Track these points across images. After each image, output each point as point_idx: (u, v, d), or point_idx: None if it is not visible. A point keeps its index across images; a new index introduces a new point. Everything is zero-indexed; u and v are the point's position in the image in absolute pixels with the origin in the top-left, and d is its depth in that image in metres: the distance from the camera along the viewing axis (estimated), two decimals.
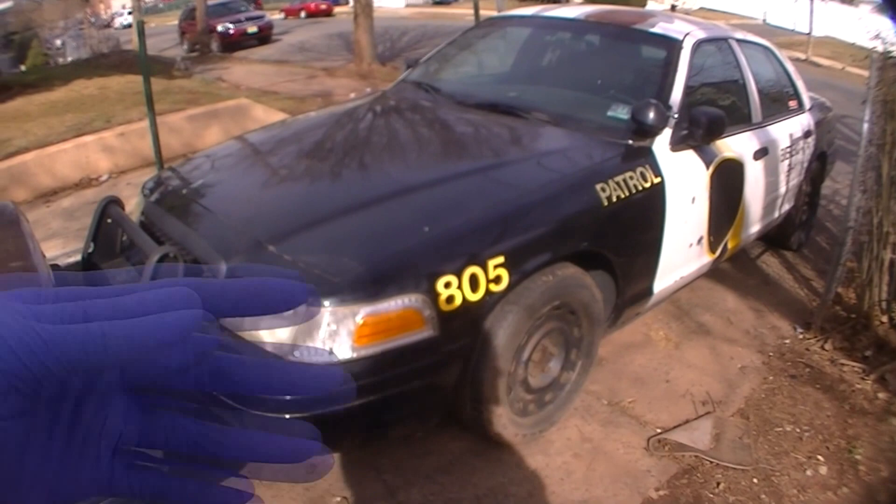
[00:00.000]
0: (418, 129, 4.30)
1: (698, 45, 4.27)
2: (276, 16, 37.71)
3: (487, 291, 2.82)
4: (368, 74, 14.86)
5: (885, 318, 4.62)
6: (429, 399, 2.90)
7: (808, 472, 3.46)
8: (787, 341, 4.68)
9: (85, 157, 8.20)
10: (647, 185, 3.53)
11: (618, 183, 3.38)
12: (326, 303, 2.57)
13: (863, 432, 3.79)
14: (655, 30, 4.37)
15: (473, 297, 2.78)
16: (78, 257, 3.62)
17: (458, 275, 2.73)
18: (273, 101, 11.42)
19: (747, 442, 3.62)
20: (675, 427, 3.67)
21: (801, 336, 4.75)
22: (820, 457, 3.58)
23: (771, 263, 5.96)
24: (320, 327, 2.56)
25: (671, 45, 4.19)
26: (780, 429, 3.77)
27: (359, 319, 2.57)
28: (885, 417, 3.91)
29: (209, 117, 9.49)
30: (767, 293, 5.38)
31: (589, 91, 4.47)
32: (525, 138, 3.91)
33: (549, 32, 5.19)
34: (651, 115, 3.57)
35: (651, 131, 3.67)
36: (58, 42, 24.85)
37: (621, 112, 3.85)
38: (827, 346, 4.58)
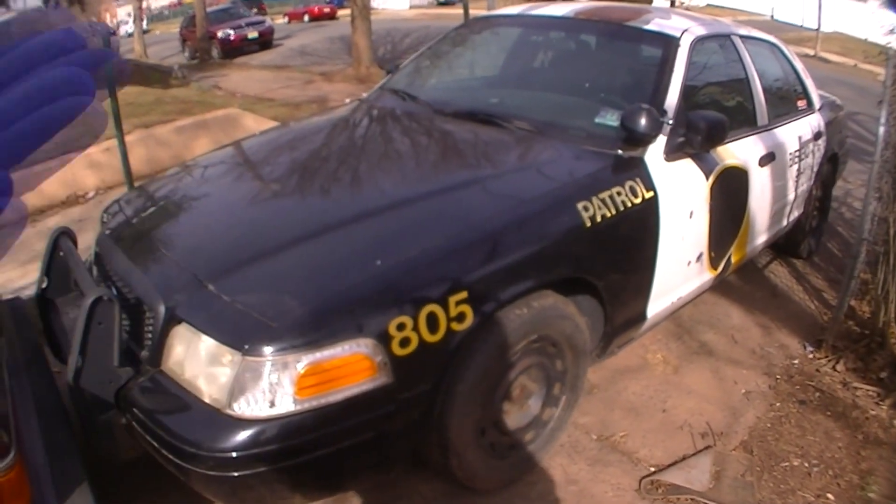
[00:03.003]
0: (387, 143, 3.95)
1: (697, 42, 3.95)
2: (279, 20, 38.28)
3: (449, 331, 2.50)
4: (367, 78, 14.69)
5: None
6: (387, 450, 2.59)
7: None
8: (797, 361, 4.38)
9: (71, 175, 7.99)
10: (638, 200, 3.21)
11: (603, 200, 3.06)
12: (266, 351, 2.27)
13: (877, 466, 3.50)
14: (650, 27, 4.05)
15: (432, 339, 2.46)
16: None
17: (414, 315, 2.42)
18: (266, 108, 11.32)
19: (750, 480, 3.31)
20: (670, 465, 3.36)
21: (811, 355, 4.44)
22: (830, 495, 3.29)
23: (779, 273, 5.66)
24: (261, 378, 2.27)
25: (667, 43, 3.86)
26: (787, 463, 3.48)
27: (300, 368, 2.28)
28: None
29: (198, 128, 9.38)
30: (775, 307, 5.08)
31: (577, 95, 4.13)
32: (501, 151, 3.57)
33: (537, 32, 4.87)
34: (642, 121, 3.23)
35: (643, 139, 3.34)
36: None
37: (610, 118, 3.52)
38: (839, 367, 4.29)
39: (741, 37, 4.59)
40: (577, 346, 3.11)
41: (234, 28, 25.89)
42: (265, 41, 26.63)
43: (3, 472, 1.99)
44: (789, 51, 5.33)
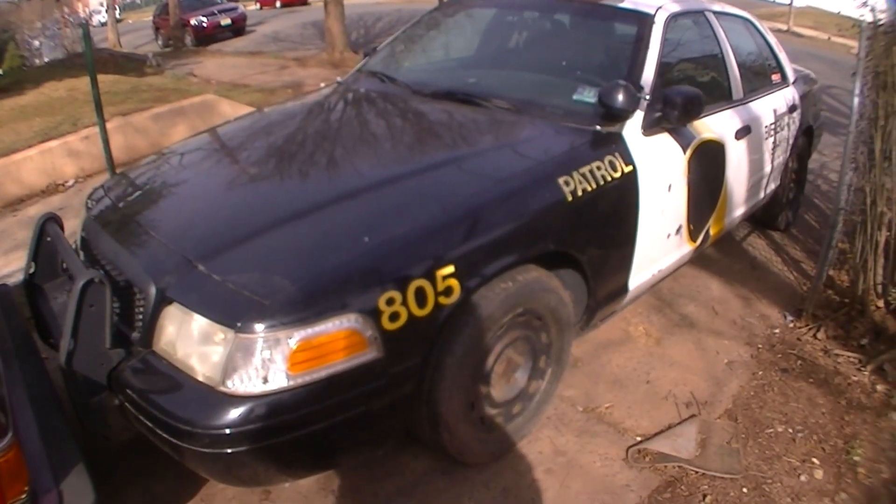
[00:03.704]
0: (368, 124, 3.97)
1: (671, 19, 4.00)
2: (251, 7, 37.98)
3: (437, 305, 2.54)
4: (341, 63, 14.67)
5: (881, 303, 4.38)
6: (379, 424, 2.63)
7: (803, 478, 3.24)
8: (777, 331, 4.45)
9: (51, 163, 8.00)
10: (618, 174, 3.26)
11: (583, 175, 3.10)
12: (258, 328, 2.30)
13: (861, 430, 3.57)
14: (625, 4, 4.10)
15: (421, 313, 2.50)
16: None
17: (403, 290, 2.46)
18: (242, 94, 11.24)
19: (736, 447, 3.38)
20: (656, 434, 3.42)
21: (791, 325, 4.52)
22: (815, 459, 3.36)
23: (758, 246, 5.75)
24: (253, 355, 2.31)
25: (642, 21, 3.91)
26: (772, 430, 3.54)
27: (293, 344, 2.31)
28: (884, 412, 3.70)
29: (175, 115, 9.35)
30: (755, 278, 5.16)
31: (554, 74, 4.15)
32: (482, 129, 3.60)
33: (512, 12, 4.92)
34: (620, 97, 3.28)
35: (621, 115, 3.40)
36: (35, 43, 24.67)
37: (588, 95, 3.56)
38: (820, 335, 4.37)
39: (715, 13, 4.64)
40: (562, 319, 3.17)
41: (207, 15, 25.67)
42: (238, 28, 26.45)
43: (3, 452, 2.01)
44: (762, 26, 5.39)
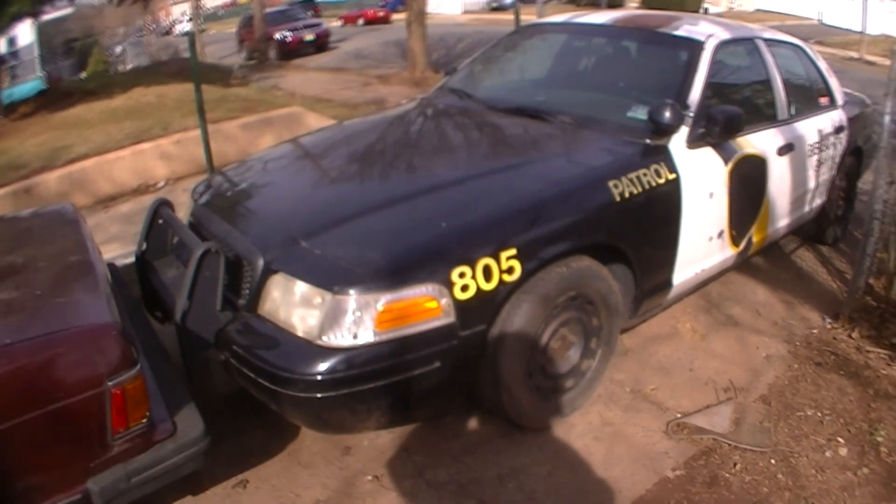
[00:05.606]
0: (448, 132, 4.54)
1: (721, 45, 4.41)
2: (334, 23, 38.21)
3: (501, 281, 3.05)
4: (422, 82, 14.86)
5: None
6: (449, 381, 3.11)
7: (828, 454, 3.56)
8: (815, 331, 4.77)
9: (142, 164, 8.53)
10: (662, 181, 3.71)
11: (631, 180, 3.57)
12: (352, 291, 2.82)
13: (886, 416, 3.86)
14: (679, 32, 4.51)
15: (487, 287, 3.01)
16: (133, 259, 3.94)
17: (472, 266, 2.96)
18: (326, 108, 11.64)
19: (767, 426, 3.73)
20: (695, 412, 3.81)
21: (829, 326, 4.83)
22: (840, 439, 3.67)
23: (805, 258, 6.03)
24: (346, 314, 2.82)
25: (692, 47, 4.33)
26: (802, 413, 3.87)
27: (380, 306, 2.83)
28: None
29: (263, 125, 9.77)
30: (800, 286, 5.46)
31: (612, 93, 4.64)
32: (546, 140, 4.09)
33: (579, 38, 5.38)
34: (666, 114, 3.74)
35: (667, 130, 3.84)
36: (118, 49, 25.40)
37: (640, 113, 4.00)
38: (854, 335, 4.65)
39: (765, 40, 5.02)
40: (611, 305, 3.62)
41: (291, 30, 26.21)
42: (321, 44, 26.91)
43: (132, 379, 2.43)
44: (813, 52, 5.70)
